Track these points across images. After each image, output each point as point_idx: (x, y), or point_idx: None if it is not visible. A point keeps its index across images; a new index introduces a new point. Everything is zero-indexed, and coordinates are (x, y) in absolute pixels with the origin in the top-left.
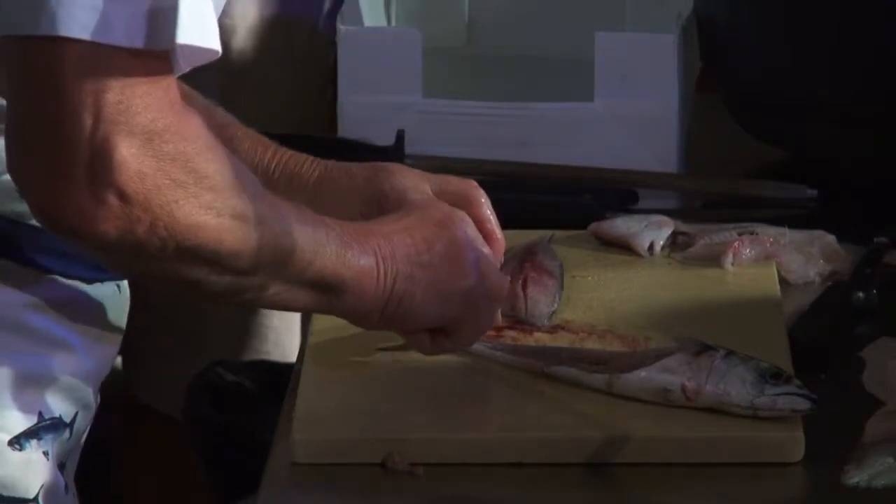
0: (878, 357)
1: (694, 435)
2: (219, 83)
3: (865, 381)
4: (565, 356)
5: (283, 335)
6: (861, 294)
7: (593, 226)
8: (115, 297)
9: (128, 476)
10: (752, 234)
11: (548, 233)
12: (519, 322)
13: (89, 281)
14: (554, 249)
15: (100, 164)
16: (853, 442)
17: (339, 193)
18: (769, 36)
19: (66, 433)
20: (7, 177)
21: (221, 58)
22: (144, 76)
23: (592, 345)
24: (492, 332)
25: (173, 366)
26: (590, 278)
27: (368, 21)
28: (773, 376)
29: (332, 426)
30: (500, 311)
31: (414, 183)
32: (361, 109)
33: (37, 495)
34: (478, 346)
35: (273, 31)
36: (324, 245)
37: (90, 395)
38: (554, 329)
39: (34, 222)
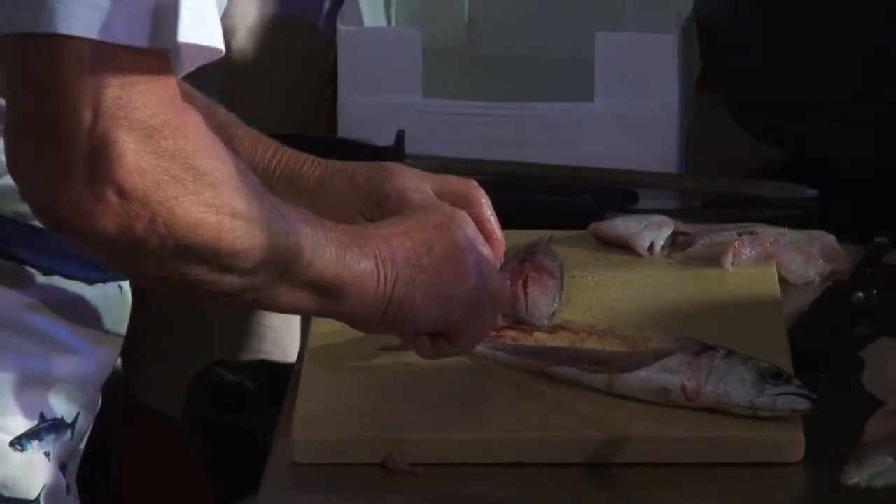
0: (878, 357)
1: (694, 435)
2: (219, 83)
3: (865, 381)
4: (565, 356)
5: (283, 335)
6: (861, 294)
7: (593, 226)
8: (116, 298)
9: (128, 476)
10: (752, 234)
11: (548, 233)
12: (519, 322)
13: (91, 282)
14: (554, 249)
15: (99, 159)
16: (853, 442)
17: (340, 193)
18: (769, 36)
19: (68, 434)
20: (8, 178)
21: (222, 57)
22: (145, 74)
23: (592, 345)
24: (492, 333)
25: (173, 366)
26: (590, 278)
27: (368, 21)
28: (773, 376)
29: (332, 426)
30: (500, 314)
31: (415, 183)
32: (361, 109)
33: (38, 496)
34: (478, 347)
35: (273, 31)
36: (323, 247)
37: (92, 396)
38: (554, 329)
39: (36, 223)
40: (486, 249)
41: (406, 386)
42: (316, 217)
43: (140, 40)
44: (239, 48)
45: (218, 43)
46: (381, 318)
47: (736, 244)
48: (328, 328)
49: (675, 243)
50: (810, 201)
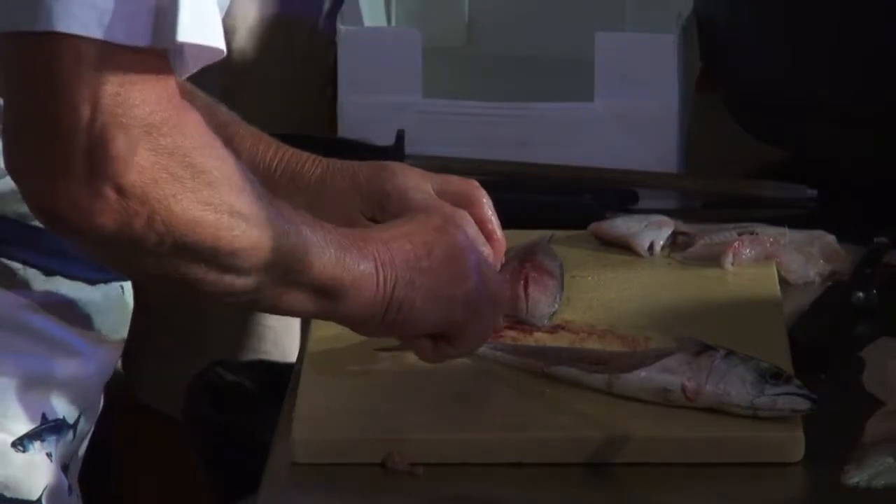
0: (878, 357)
1: (694, 435)
2: (219, 83)
3: (865, 381)
4: (565, 356)
5: (282, 335)
6: (861, 294)
7: (593, 226)
8: (118, 298)
9: (128, 476)
10: (752, 234)
11: (548, 233)
12: (519, 322)
13: (93, 282)
14: (554, 249)
15: (97, 156)
16: (853, 442)
17: (341, 192)
18: (769, 36)
19: (70, 435)
20: (9, 179)
21: (221, 58)
22: (143, 73)
23: (592, 345)
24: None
25: (173, 366)
26: (590, 278)
27: (368, 21)
28: (773, 376)
29: (332, 426)
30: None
31: (416, 182)
32: (361, 109)
33: (40, 497)
34: None
35: (273, 31)
36: (323, 248)
37: (94, 397)
38: (554, 329)
39: (38, 224)
40: (486, 249)
41: (406, 386)
42: (315, 219)
43: (139, 40)
44: (239, 48)
45: (219, 43)
46: (381, 321)
47: (736, 244)
48: (328, 329)
49: (675, 243)
50: (810, 201)
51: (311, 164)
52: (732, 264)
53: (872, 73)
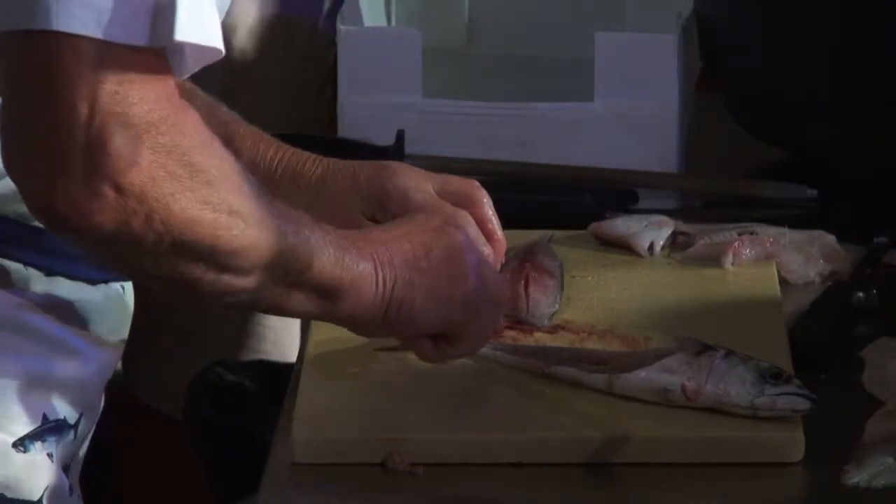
0: (878, 357)
1: (694, 435)
2: (219, 83)
3: (865, 381)
4: (565, 356)
5: (282, 335)
6: (861, 294)
7: (593, 226)
8: (119, 299)
9: (128, 476)
10: (752, 234)
11: (548, 233)
12: (519, 322)
13: (94, 283)
14: (554, 249)
15: (95, 154)
16: (853, 442)
17: (342, 191)
18: (769, 36)
19: (70, 435)
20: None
21: (221, 58)
22: (142, 72)
23: (592, 345)
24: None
25: (173, 366)
26: (590, 278)
27: (368, 21)
28: (773, 376)
29: (332, 426)
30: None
31: (416, 182)
32: (361, 109)
33: (41, 497)
34: None
35: (273, 30)
36: (322, 248)
37: (95, 397)
38: (554, 329)
39: (38, 224)
40: (487, 249)
41: (406, 386)
42: (314, 220)
43: (138, 39)
44: (239, 48)
45: (216, 43)
46: (381, 322)
47: (736, 244)
48: (328, 329)
49: (675, 243)
50: (810, 201)
51: (311, 163)
52: (732, 264)
53: (872, 73)
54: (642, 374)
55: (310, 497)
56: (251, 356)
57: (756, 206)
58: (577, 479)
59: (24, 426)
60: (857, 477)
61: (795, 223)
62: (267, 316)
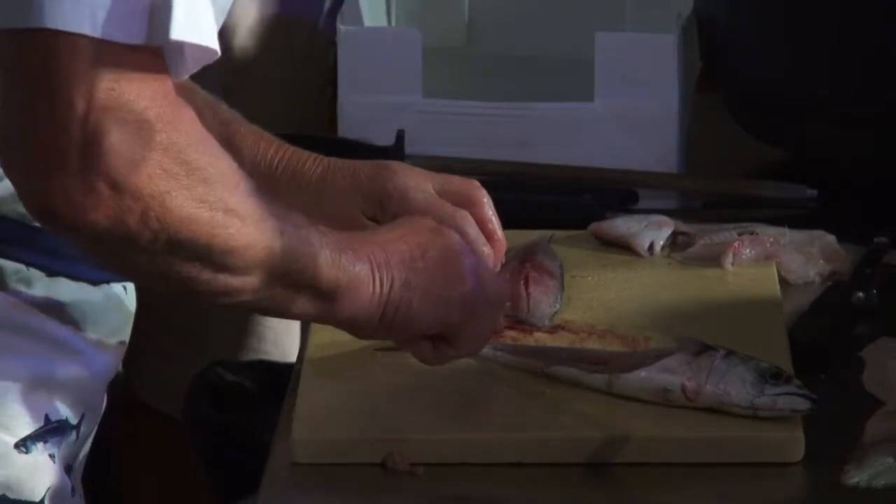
0: (878, 357)
1: (694, 435)
2: (219, 82)
3: (865, 381)
4: (565, 356)
5: (282, 335)
6: (861, 294)
7: (593, 226)
8: (121, 298)
9: (128, 476)
10: (752, 234)
11: (548, 233)
12: (519, 322)
13: (95, 283)
14: (554, 249)
15: (91, 151)
16: (853, 442)
17: (342, 191)
18: (769, 36)
19: (73, 435)
20: None
21: (221, 57)
22: (139, 70)
23: (592, 345)
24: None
25: (173, 366)
26: (590, 278)
27: (368, 21)
28: (773, 376)
29: (332, 426)
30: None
31: (416, 182)
32: (361, 109)
33: (43, 498)
34: None
35: (273, 30)
36: (319, 249)
37: (97, 397)
38: (554, 329)
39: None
40: (487, 249)
41: (406, 386)
42: (310, 221)
43: (135, 37)
44: (239, 48)
45: (212, 43)
46: (379, 323)
47: (736, 244)
48: (328, 329)
49: (675, 243)
50: (810, 201)
51: (312, 162)
52: (732, 264)
53: (872, 73)
54: (642, 374)
55: (310, 497)
56: (251, 356)
57: (756, 206)
58: (577, 479)
59: (26, 427)
60: (857, 477)
61: (795, 223)
62: (267, 316)
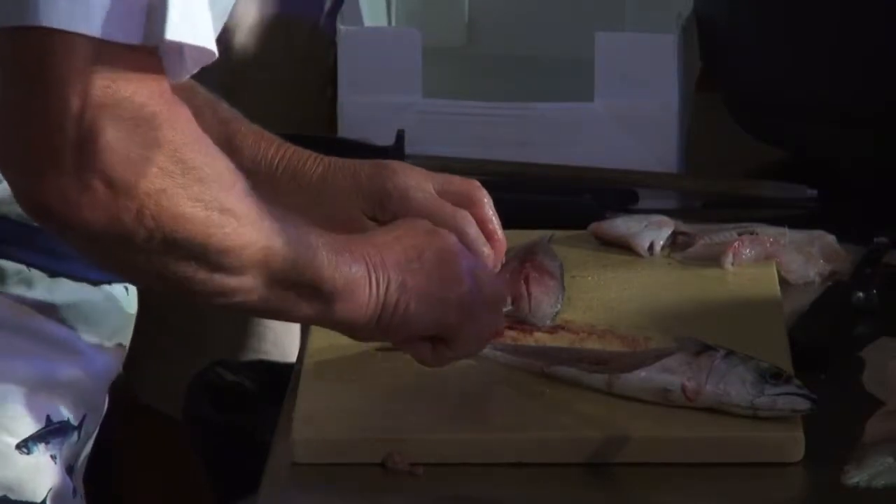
0: (878, 357)
1: (694, 435)
2: (219, 82)
3: (865, 381)
4: (565, 356)
5: (282, 335)
6: (861, 294)
7: (593, 226)
8: (122, 298)
9: (128, 476)
10: (752, 234)
11: (548, 233)
12: (519, 322)
13: (97, 283)
14: (554, 249)
15: (86, 148)
16: (853, 442)
17: (342, 191)
18: (769, 36)
19: (74, 436)
20: None
21: (221, 57)
22: (135, 68)
23: (592, 345)
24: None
25: (173, 366)
26: (590, 278)
27: (368, 21)
28: (773, 376)
29: (332, 426)
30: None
31: (417, 182)
32: (361, 109)
33: (44, 499)
34: None
35: (273, 30)
36: (315, 250)
37: (98, 398)
38: (554, 329)
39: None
40: (487, 250)
41: (406, 386)
42: (307, 223)
43: (132, 37)
44: (239, 48)
45: (209, 44)
46: (376, 325)
47: (736, 244)
48: (328, 330)
49: (675, 243)
50: (810, 201)
51: (312, 162)
52: (732, 264)
53: (872, 73)
54: (642, 374)
55: (310, 497)
56: (251, 356)
57: (756, 206)
58: (577, 479)
59: (27, 428)
60: (857, 477)
61: (795, 223)
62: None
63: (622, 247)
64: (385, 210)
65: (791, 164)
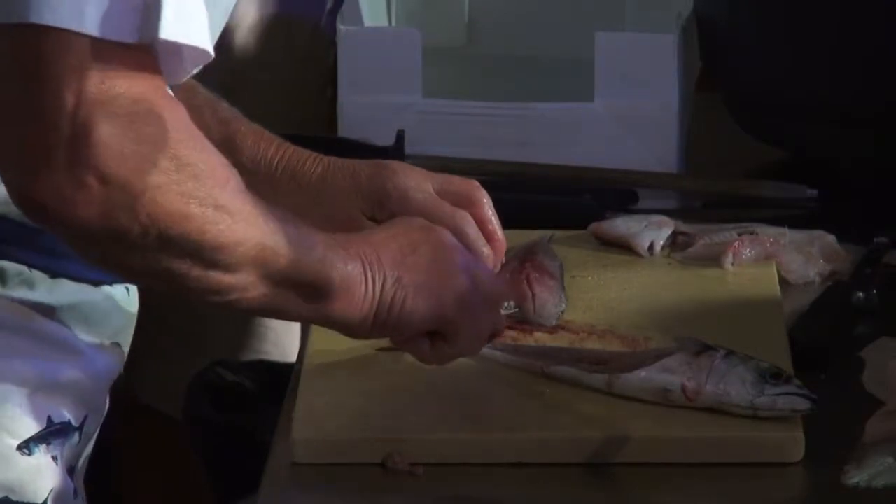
0: (878, 357)
1: (694, 435)
2: (219, 82)
3: (865, 381)
4: (565, 356)
5: (282, 335)
6: (861, 294)
7: (593, 226)
8: (123, 299)
9: (128, 476)
10: (752, 234)
11: (548, 233)
12: (519, 322)
13: (97, 284)
14: (554, 249)
15: (80, 144)
16: (853, 442)
17: (342, 190)
18: (769, 36)
19: (76, 437)
20: None
21: (221, 57)
22: (130, 66)
23: (592, 345)
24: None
25: (173, 366)
26: (590, 278)
27: (368, 21)
28: (773, 376)
29: (332, 426)
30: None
31: (416, 182)
32: (361, 109)
33: (46, 500)
34: None
35: (273, 30)
36: (310, 248)
37: (99, 399)
38: (554, 329)
39: None
40: (487, 250)
41: (406, 386)
42: (301, 221)
43: (127, 36)
44: (239, 48)
45: (202, 43)
46: (373, 322)
47: (736, 244)
48: (328, 330)
49: (675, 243)
50: (810, 201)
51: (311, 162)
52: (732, 264)
53: (872, 73)
54: (642, 374)
55: (310, 497)
56: (251, 356)
57: (756, 206)
58: (577, 479)
59: (28, 429)
60: (857, 477)
61: (795, 223)
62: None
63: (622, 247)
64: (384, 210)
65: (791, 164)
